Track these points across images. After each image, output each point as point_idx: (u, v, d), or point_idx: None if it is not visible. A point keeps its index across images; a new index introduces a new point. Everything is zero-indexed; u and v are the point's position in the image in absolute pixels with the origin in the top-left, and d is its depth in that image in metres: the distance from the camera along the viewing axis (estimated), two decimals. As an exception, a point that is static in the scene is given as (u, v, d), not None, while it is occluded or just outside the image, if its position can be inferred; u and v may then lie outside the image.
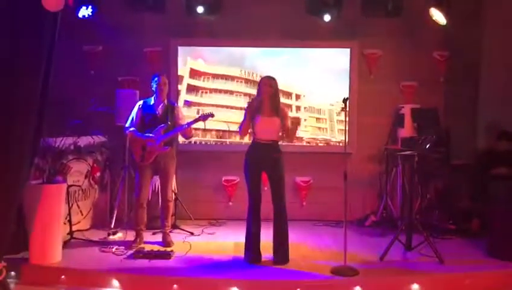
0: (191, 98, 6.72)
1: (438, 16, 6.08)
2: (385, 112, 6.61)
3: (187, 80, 6.71)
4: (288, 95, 6.66)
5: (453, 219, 5.88)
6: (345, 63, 6.72)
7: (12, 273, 4.30)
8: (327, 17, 6.35)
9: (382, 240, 5.48)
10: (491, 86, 6.39)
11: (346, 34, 6.61)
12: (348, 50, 6.69)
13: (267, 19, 6.52)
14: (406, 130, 6.30)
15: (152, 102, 5.29)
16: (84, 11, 6.03)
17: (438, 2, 6.05)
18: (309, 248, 5.37)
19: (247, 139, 4.99)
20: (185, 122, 5.27)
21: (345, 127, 4.72)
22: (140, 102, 5.37)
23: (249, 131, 4.85)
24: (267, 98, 4.70)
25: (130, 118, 5.31)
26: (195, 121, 5.22)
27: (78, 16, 6.01)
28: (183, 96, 6.71)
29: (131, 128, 5.25)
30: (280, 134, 4.79)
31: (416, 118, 6.27)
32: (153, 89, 5.27)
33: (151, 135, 5.14)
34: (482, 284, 4.37)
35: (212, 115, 5.25)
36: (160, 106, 5.27)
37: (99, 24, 6.16)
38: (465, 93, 6.56)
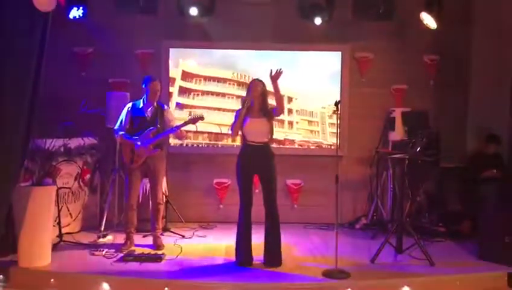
0: (183, 100, 6.69)
1: (429, 20, 6.13)
2: (376, 115, 6.63)
3: (179, 82, 6.69)
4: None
5: (443, 222, 5.92)
6: (337, 66, 6.73)
7: (1, 276, 4.25)
8: (318, 20, 6.36)
9: (373, 243, 5.50)
10: (480, 90, 6.47)
11: (337, 38, 6.63)
12: (339, 53, 6.71)
13: (259, 22, 6.50)
14: (397, 134, 6.34)
15: (141, 105, 5.25)
16: (75, 12, 5.99)
17: (428, 6, 6.10)
18: (300, 250, 5.37)
19: (239, 142, 4.96)
20: (175, 124, 5.25)
21: (337, 130, 4.72)
22: (129, 104, 5.33)
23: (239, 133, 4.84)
24: (256, 98, 4.71)
25: (119, 121, 5.27)
26: (185, 123, 5.20)
27: (69, 17, 5.97)
28: (175, 98, 6.68)
29: (121, 132, 5.22)
30: (270, 136, 4.80)
31: (406, 121, 6.30)
32: (143, 90, 5.24)
33: (139, 143, 5.10)
34: (473, 286, 4.40)
35: (202, 118, 5.22)
36: (149, 109, 5.24)
37: (90, 25, 6.12)
38: (455, 96, 6.63)
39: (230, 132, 4.90)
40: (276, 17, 6.54)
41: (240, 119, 4.69)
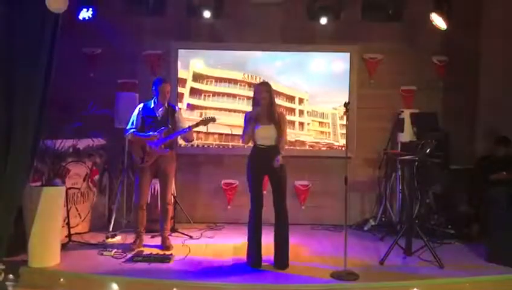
0: (194, 101, 6.70)
1: (438, 21, 6.10)
2: (385, 116, 6.62)
3: (190, 83, 6.70)
4: (291, 99, 6.67)
5: (452, 224, 5.88)
6: (346, 67, 6.71)
7: (11, 275, 4.26)
8: (324, 20, 6.35)
9: (381, 245, 5.50)
10: (489, 91, 6.42)
11: (346, 39, 6.61)
12: (348, 54, 6.69)
13: (267, 23, 6.54)
14: (406, 135, 6.32)
15: (152, 105, 5.28)
16: (85, 13, 6.01)
17: (438, 7, 6.07)
18: (308, 252, 5.36)
19: (249, 143, 4.94)
20: (186, 126, 5.26)
21: (346, 132, 4.71)
22: (141, 105, 5.35)
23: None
24: (265, 105, 4.69)
25: (131, 121, 5.30)
26: (197, 124, 5.20)
27: (78, 18, 6.00)
28: (186, 99, 6.69)
29: (132, 129, 5.24)
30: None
31: (415, 123, 6.28)
32: (154, 92, 5.26)
33: (151, 133, 5.13)
34: (482, 289, 4.37)
35: (213, 120, 5.23)
36: (160, 109, 5.26)
37: (100, 26, 6.14)
38: (464, 98, 6.59)
39: (241, 140, 4.88)
40: (285, 18, 6.56)
41: (250, 130, 4.67)
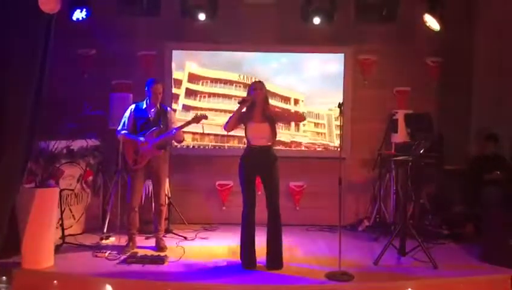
0: (190, 102, 6.68)
1: (432, 22, 6.12)
2: (379, 117, 6.62)
3: (186, 84, 6.69)
4: (286, 100, 6.67)
5: (446, 224, 5.90)
6: (341, 68, 6.72)
7: (4, 278, 4.25)
8: (317, 20, 6.35)
9: (376, 245, 5.51)
10: (483, 92, 6.46)
11: (340, 40, 6.63)
12: (342, 55, 6.70)
13: (261, 24, 6.55)
14: (400, 136, 6.33)
15: (144, 106, 5.27)
16: (79, 14, 6.00)
17: (432, 8, 6.10)
18: (303, 252, 5.36)
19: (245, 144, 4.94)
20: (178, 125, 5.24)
21: (340, 132, 4.73)
22: (132, 106, 5.34)
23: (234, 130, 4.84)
24: (259, 103, 4.69)
25: (122, 122, 5.28)
26: (188, 123, 5.16)
27: (72, 19, 5.98)
28: (182, 100, 6.68)
29: (123, 131, 5.22)
30: (273, 138, 4.79)
31: (409, 124, 6.28)
32: (146, 93, 5.25)
33: (142, 138, 5.12)
34: (476, 289, 4.38)
35: (205, 117, 5.20)
36: (152, 110, 5.25)
37: (94, 27, 6.12)
38: (458, 98, 6.62)
39: (224, 127, 4.82)
40: (279, 19, 6.57)
41: (235, 116, 4.68)
